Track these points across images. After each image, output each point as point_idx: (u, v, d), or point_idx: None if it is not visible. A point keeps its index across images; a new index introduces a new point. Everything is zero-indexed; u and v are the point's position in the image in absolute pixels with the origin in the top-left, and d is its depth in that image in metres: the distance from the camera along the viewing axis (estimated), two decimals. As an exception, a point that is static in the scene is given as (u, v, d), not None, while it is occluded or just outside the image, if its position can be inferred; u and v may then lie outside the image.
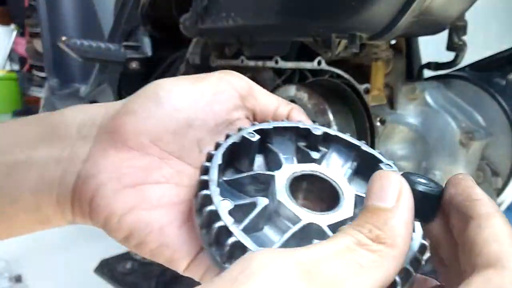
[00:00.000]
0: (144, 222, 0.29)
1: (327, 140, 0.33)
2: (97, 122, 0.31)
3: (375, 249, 0.21)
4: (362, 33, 0.69)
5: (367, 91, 0.77)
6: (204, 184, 0.27)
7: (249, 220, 0.26)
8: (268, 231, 0.27)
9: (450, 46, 0.77)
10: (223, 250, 0.24)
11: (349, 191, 0.29)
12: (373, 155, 0.32)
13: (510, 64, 0.78)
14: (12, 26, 5.13)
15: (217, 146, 0.29)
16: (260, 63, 0.91)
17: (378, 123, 0.79)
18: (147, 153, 0.30)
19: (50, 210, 0.31)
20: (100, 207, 0.29)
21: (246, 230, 0.25)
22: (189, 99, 0.32)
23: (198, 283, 0.30)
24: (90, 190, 0.29)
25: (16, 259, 1.64)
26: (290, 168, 0.30)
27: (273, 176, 0.29)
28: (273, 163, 0.31)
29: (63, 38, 1.10)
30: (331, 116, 0.81)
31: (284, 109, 0.35)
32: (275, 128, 0.32)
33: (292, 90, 0.85)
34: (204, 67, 1.04)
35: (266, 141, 0.32)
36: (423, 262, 0.25)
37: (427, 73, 0.84)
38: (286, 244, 0.25)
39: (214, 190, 0.26)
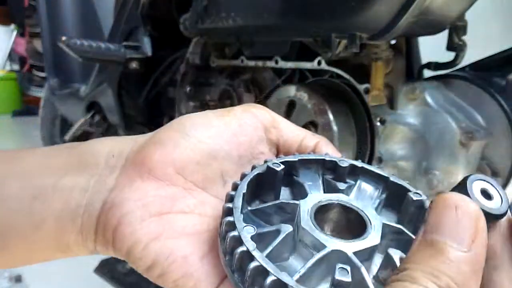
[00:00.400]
0: (168, 251, 0.29)
1: (354, 172, 0.33)
2: (124, 152, 0.32)
3: None
4: (362, 33, 0.69)
5: (367, 91, 0.77)
6: (229, 211, 0.27)
7: (273, 247, 0.26)
8: (293, 261, 0.27)
9: (450, 46, 0.77)
10: (245, 276, 0.24)
11: (376, 220, 0.28)
12: (401, 185, 0.31)
13: (510, 64, 0.78)
14: (12, 26, 5.13)
15: (243, 176, 0.30)
16: (260, 63, 0.91)
17: (378, 123, 0.79)
18: (173, 183, 0.31)
19: (71, 239, 0.31)
20: (125, 235, 0.29)
21: (270, 258, 0.25)
22: (214, 131, 0.33)
23: None
24: (116, 218, 0.29)
25: (16, 259, 1.64)
26: (316, 197, 0.30)
27: (297, 205, 0.28)
28: (299, 194, 0.31)
29: (63, 38, 1.10)
30: (331, 116, 0.81)
31: (310, 141, 0.35)
32: (300, 160, 0.32)
33: (292, 90, 0.85)
34: (204, 67, 1.04)
35: (292, 173, 0.32)
36: None
37: (427, 73, 0.84)
38: (310, 271, 0.25)
39: (237, 217, 0.26)
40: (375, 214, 0.29)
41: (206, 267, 0.29)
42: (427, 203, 0.29)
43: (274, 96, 0.89)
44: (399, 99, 0.78)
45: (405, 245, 0.27)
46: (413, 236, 0.28)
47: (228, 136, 0.33)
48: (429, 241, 0.20)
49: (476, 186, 0.23)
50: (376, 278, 0.26)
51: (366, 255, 0.26)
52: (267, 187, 0.31)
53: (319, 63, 0.82)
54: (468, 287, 0.19)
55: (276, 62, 0.88)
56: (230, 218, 0.26)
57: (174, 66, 1.16)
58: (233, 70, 1.02)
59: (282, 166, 0.30)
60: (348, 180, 0.33)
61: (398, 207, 0.31)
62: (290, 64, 0.87)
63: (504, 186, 0.77)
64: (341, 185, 0.32)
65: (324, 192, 0.32)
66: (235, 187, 0.29)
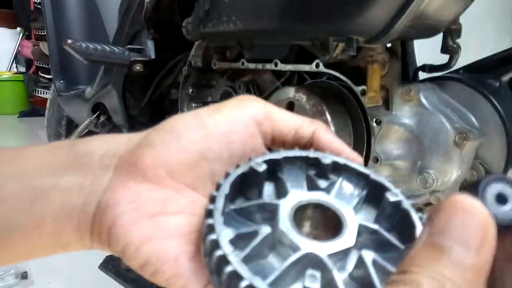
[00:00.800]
0: (159, 253, 0.30)
1: (337, 169, 0.33)
2: (118, 152, 0.33)
3: None
4: (358, 37, 0.71)
5: (363, 92, 0.79)
6: (209, 213, 0.28)
7: (251, 249, 0.26)
8: (272, 259, 0.28)
9: (445, 49, 0.78)
10: (221, 279, 0.25)
11: (353, 220, 0.29)
12: (381, 183, 0.31)
13: (503, 66, 0.79)
14: (18, 29, 5.18)
15: (227, 175, 0.30)
16: (260, 66, 0.93)
17: (374, 124, 0.80)
18: (164, 185, 0.32)
19: (70, 237, 0.32)
20: (118, 237, 0.30)
21: (248, 258, 0.26)
22: (204, 131, 0.33)
23: None
24: (109, 220, 0.30)
25: (23, 257, 1.66)
26: (296, 196, 0.30)
27: (277, 205, 0.29)
28: (281, 192, 0.32)
29: (69, 41, 1.12)
30: (329, 117, 0.83)
31: (307, 129, 0.35)
32: (284, 158, 0.32)
33: (291, 91, 0.87)
34: (206, 69, 1.06)
35: (277, 169, 0.32)
36: None
37: (422, 75, 0.86)
38: (284, 273, 0.26)
39: (217, 219, 0.27)
40: (353, 214, 0.29)
41: (194, 267, 0.30)
42: (405, 203, 0.30)
43: (274, 97, 0.91)
44: (395, 101, 0.80)
45: (380, 245, 0.29)
46: (388, 236, 0.29)
47: (218, 136, 0.33)
48: (434, 244, 0.19)
49: (492, 189, 0.22)
50: (351, 276, 0.27)
51: (340, 255, 0.27)
52: (251, 184, 0.32)
53: (317, 65, 0.83)
54: None
55: (276, 64, 0.89)
56: (210, 221, 0.27)
57: (177, 68, 1.18)
58: (234, 72, 1.04)
59: (265, 167, 0.31)
60: (331, 176, 0.33)
61: (378, 204, 0.31)
62: (289, 67, 0.88)
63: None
64: (323, 183, 0.33)
65: (308, 189, 0.32)
66: (218, 187, 0.30)
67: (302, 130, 0.35)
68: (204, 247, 0.27)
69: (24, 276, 1.66)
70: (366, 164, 0.80)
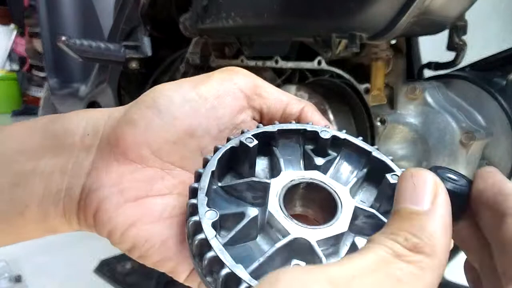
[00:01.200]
0: (145, 237, 0.29)
1: (337, 144, 0.31)
2: (99, 131, 0.31)
3: (414, 260, 0.19)
4: (362, 33, 0.69)
5: (367, 90, 0.77)
6: (193, 192, 0.26)
7: (236, 232, 0.25)
8: (261, 240, 0.27)
9: (450, 46, 0.77)
10: (202, 263, 0.24)
11: (349, 202, 0.27)
12: (383, 161, 0.30)
13: (510, 64, 0.78)
14: (12, 26, 5.12)
15: (216, 150, 0.29)
16: (260, 63, 0.91)
17: (378, 123, 0.79)
18: (149, 165, 0.30)
19: (56, 221, 0.31)
20: (103, 222, 0.29)
21: (234, 240, 0.25)
22: (189, 106, 0.31)
23: None
24: (94, 205, 0.29)
25: (16, 260, 1.64)
26: (288, 175, 0.28)
27: (268, 184, 0.27)
28: (274, 169, 0.30)
29: (63, 38, 1.09)
30: (331, 116, 0.81)
31: (295, 107, 0.33)
32: (280, 130, 0.30)
33: (292, 90, 0.85)
34: (204, 67, 1.04)
35: (271, 143, 0.31)
36: None
37: (428, 73, 0.84)
38: (272, 258, 0.24)
39: (201, 199, 0.25)
40: (349, 196, 0.28)
41: (184, 250, 0.29)
42: None
43: (274, 96, 0.89)
44: (399, 99, 0.78)
45: (377, 229, 0.27)
46: (385, 220, 0.27)
47: (206, 110, 0.31)
48: (397, 212, 0.21)
49: (441, 171, 0.24)
50: None
51: (332, 241, 0.26)
52: (242, 159, 0.30)
53: (319, 63, 0.82)
54: (436, 240, 0.19)
55: (276, 62, 0.88)
56: (193, 201, 0.26)
57: (174, 66, 1.16)
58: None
59: (256, 142, 0.29)
60: (330, 152, 0.31)
61: (378, 183, 0.30)
62: (290, 64, 0.87)
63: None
64: (320, 161, 0.31)
65: (303, 166, 0.31)
66: (205, 162, 0.28)
67: (290, 107, 0.33)
68: (187, 229, 0.26)
69: (18, 279, 1.63)
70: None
